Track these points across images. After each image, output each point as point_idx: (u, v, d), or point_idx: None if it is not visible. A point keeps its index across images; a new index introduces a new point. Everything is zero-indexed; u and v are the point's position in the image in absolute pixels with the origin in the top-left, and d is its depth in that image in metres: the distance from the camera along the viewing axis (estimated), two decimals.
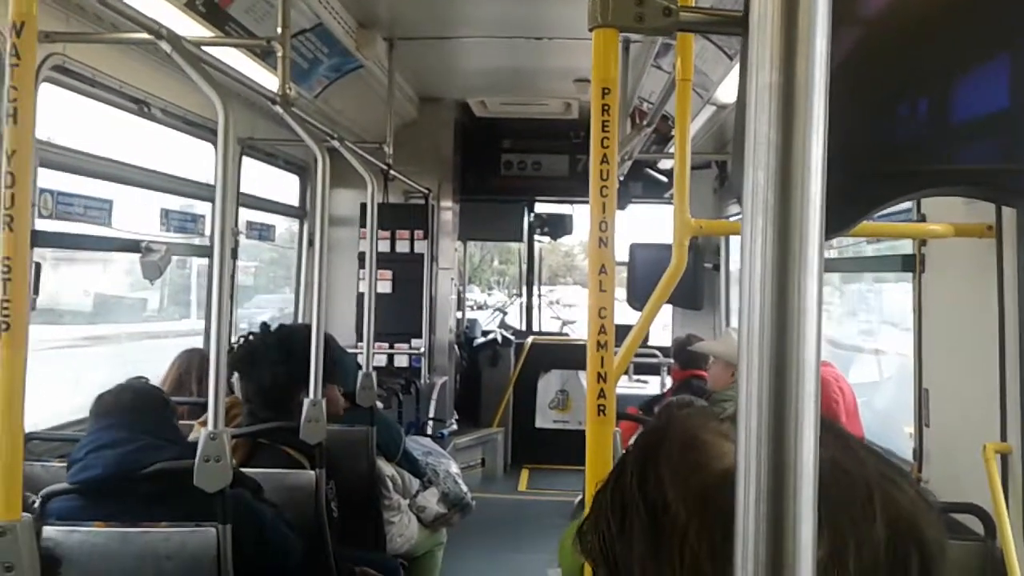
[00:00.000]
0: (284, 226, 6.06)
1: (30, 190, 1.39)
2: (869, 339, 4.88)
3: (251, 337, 3.25)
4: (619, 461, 0.70)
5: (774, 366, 0.44)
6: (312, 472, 2.99)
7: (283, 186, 5.99)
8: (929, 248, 2.88)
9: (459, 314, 7.92)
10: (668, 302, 2.36)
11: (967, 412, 2.65)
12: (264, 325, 3.40)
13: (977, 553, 2.24)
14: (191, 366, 3.91)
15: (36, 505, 2.04)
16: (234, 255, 4.77)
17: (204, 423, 2.93)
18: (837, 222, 1.01)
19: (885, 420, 3.92)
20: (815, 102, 0.44)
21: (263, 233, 5.56)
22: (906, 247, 3.04)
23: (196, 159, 4.47)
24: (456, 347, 7.45)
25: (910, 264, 2.95)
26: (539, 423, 8.00)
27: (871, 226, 2.55)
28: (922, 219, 2.75)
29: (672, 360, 5.60)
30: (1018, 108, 1.14)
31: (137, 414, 2.35)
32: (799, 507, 0.44)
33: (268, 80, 3.79)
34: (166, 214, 4.12)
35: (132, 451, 2.23)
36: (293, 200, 6.01)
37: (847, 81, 1.04)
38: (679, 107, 2.36)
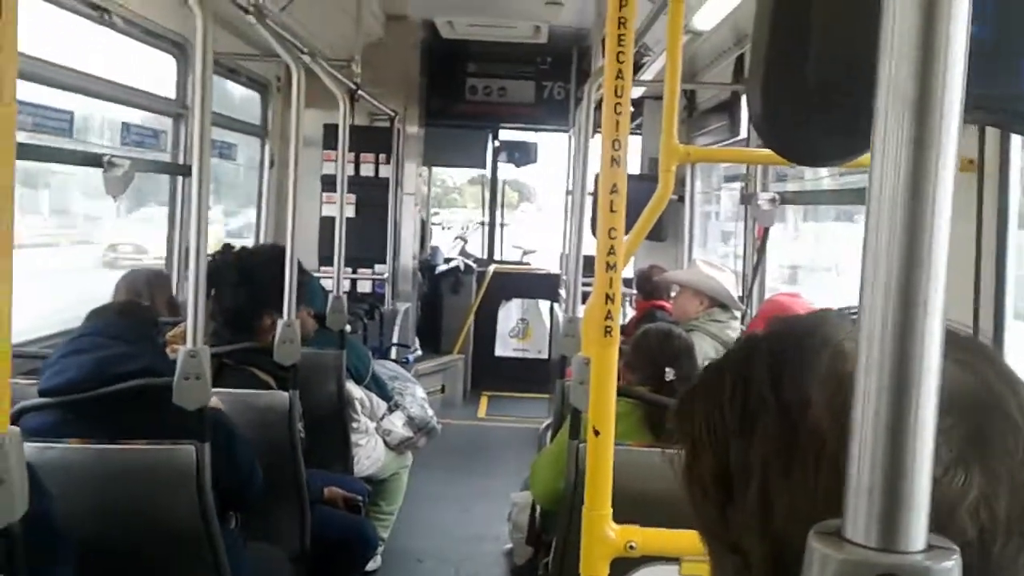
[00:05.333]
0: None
1: (15, 84, 1.30)
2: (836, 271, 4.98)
3: (215, 257, 3.20)
4: (740, 356, 0.65)
5: (903, 263, 0.43)
6: (285, 393, 2.96)
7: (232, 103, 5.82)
8: None
9: (422, 242, 7.85)
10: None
11: None
12: (226, 246, 3.33)
13: None
14: (139, 287, 3.75)
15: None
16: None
17: (174, 341, 2.89)
18: (844, 149, 1.00)
19: None
20: None
21: (223, 151, 5.41)
22: None
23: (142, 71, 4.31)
24: (418, 274, 7.41)
25: None
26: (499, 351, 8.05)
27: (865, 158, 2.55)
28: None
29: (635, 291, 5.63)
30: (1002, 33, 1.14)
31: (120, 322, 2.30)
32: (919, 430, 0.43)
33: None
34: (127, 128, 3.97)
35: (107, 356, 2.18)
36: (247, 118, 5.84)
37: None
38: (671, 28, 2.31)
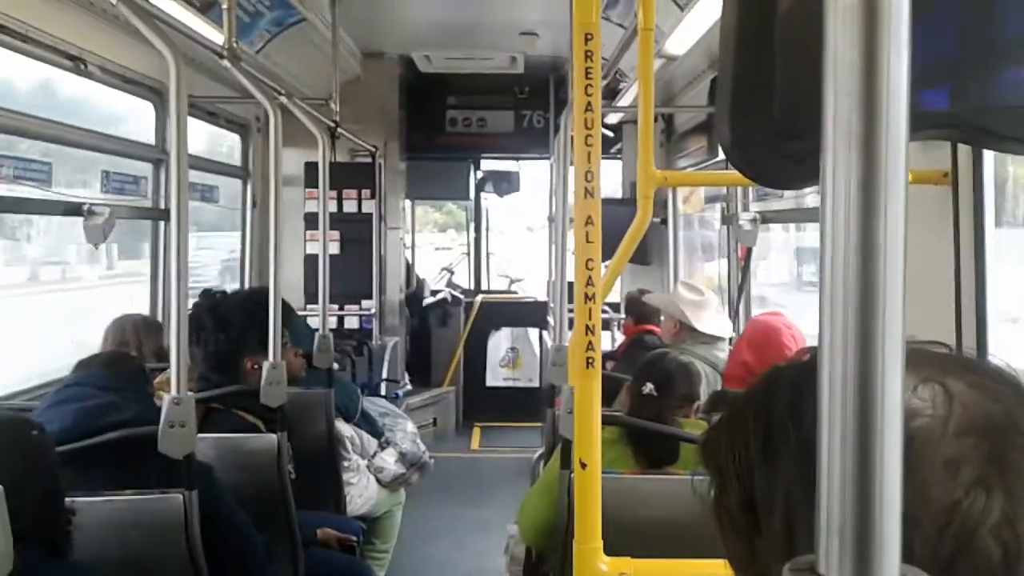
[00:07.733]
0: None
1: None
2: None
3: (197, 303, 3.19)
4: (763, 387, 0.65)
5: (859, 298, 0.43)
6: (273, 435, 2.94)
7: (217, 145, 5.85)
8: None
9: (411, 274, 7.85)
10: None
11: None
12: (205, 291, 3.32)
13: None
14: (126, 334, 3.73)
15: None
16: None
17: (160, 387, 2.87)
18: (812, 172, 1.01)
19: None
20: (900, 20, 0.42)
21: (206, 194, 5.41)
22: None
23: (124, 118, 4.33)
24: (406, 307, 7.40)
25: None
26: (490, 381, 8.02)
27: None
28: None
29: (624, 315, 5.63)
30: (965, 54, 1.16)
31: (107, 372, 2.28)
32: (886, 464, 0.43)
33: (208, 33, 3.66)
34: (107, 176, 3.97)
35: (93, 407, 2.17)
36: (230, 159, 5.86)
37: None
38: (642, 58, 2.33)
